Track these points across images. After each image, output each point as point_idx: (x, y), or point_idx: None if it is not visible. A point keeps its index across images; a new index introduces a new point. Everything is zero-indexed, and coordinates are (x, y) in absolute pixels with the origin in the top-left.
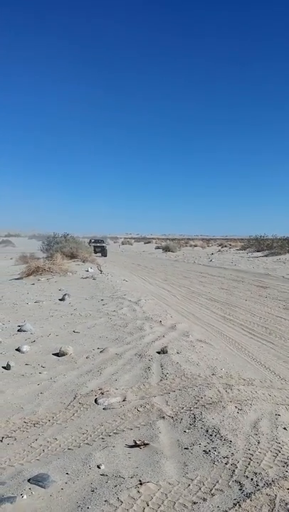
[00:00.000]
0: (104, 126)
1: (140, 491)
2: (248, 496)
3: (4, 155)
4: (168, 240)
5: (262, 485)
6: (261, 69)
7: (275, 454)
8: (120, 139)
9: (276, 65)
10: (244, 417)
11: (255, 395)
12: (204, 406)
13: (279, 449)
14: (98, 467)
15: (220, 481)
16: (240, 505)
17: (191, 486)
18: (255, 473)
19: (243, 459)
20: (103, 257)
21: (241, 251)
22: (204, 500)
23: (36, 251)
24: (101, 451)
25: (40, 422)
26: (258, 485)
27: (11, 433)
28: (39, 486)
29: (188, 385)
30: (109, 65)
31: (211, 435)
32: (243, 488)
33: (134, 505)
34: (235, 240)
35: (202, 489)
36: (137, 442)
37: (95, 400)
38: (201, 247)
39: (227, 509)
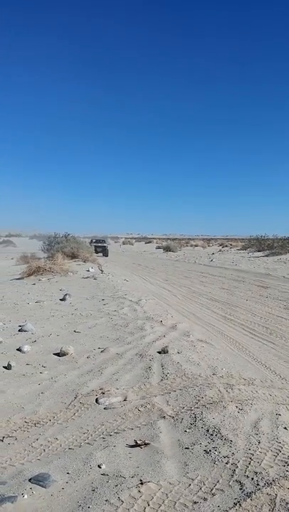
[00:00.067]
0: (105, 126)
1: (141, 490)
2: (249, 495)
3: (5, 155)
4: (169, 240)
5: (262, 484)
6: (261, 69)
7: (276, 454)
8: (120, 138)
9: (276, 65)
10: (245, 417)
11: (255, 395)
12: (205, 406)
13: (280, 448)
14: (99, 467)
15: (220, 481)
16: (240, 504)
17: (191, 486)
18: (256, 473)
19: (244, 458)
20: (104, 257)
21: (242, 251)
22: (205, 499)
23: (37, 251)
24: (102, 450)
25: (41, 422)
26: (258, 484)
27: (11, 433)
28: (40, 485)
29: (188, 384)
30: (109, 65)
31: (211, 435)
32: (244, 488)
33: (135, 504)
34: (235, 239)
35: (203, 489)
36: (138, 442)
37: (96, 400)
38: (202, 247)
39: (228, 509)
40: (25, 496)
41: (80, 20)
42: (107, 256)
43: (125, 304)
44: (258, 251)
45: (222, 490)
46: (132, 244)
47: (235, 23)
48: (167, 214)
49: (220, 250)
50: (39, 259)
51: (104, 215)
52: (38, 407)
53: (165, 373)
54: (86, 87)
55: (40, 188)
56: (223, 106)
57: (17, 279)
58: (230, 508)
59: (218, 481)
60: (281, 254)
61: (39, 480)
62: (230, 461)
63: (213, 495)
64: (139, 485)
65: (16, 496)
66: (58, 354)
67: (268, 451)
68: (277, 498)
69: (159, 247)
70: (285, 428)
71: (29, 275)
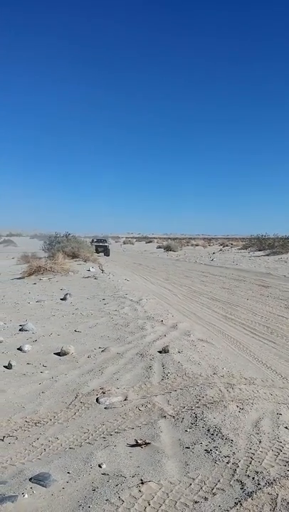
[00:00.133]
0: (105, 125)
1: (141, 490)
2: (250, 495)
3: (5, 155)
4: (169, 240)
5: (263, 484)
6: (261, 69)
7: (277, 453)
8: (121, 138)
9: (276, 65)
10: (245, 417)
11: (256, 394)
12: (206, 405)
13: (280, 448)
14: (99, 466)
15: (221, 480)
16: (241, 504)
17: (192, 485)
18: (257, 473)
19: (245, 458)
20: (105, 257)
21: (243, 250)
22: (206, 499)
23: (38, 250)
24: (102, 450)
25: (42, 422)
26: (259, 484)
27: (12, 432)
28: (40, 485)
29: (189, 384)
30: (109, 64)
31: (212, 434)
32: (245, 487)
33: (136, 504)
34: (236, 239)
35: (203, 488)
36: (139, 441)
37: (97, 399)
38: (203, 246)
39: (228, 508)
40: (26, 496)
41: (80, 20)
42: (108, 256)
43: (126, 304)
44: (259, 250)
45: (223, 489)
46: (133, 244)
47: (235, 23)
48: (168, 214)
49: (221, 250)
50: (40, 258)
51: (105, 215)
52: (38, 407)
53: (166, 373)
54: (86, 86)
55: (41, 187)
56: (224, 106)
57: (18, 278)
58: (231, 508)
59: (219, 481)
60: (282, 253)
61: (39, 479)
62: (231, 460)
63: (214, 494)
64: (140, 484)
65: (17, 496)
66: (58, 354)
67: (268, 451)
68: (279, 497)
69: (159, 247)
70: (286, 427)
71: (30, 275)
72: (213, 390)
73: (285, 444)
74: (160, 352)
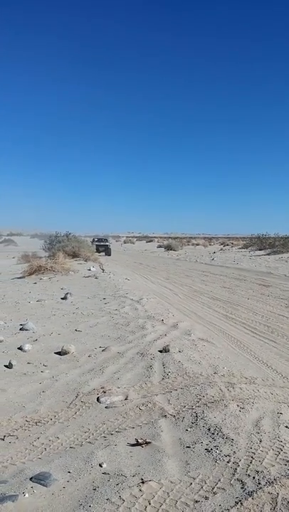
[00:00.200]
0: (105, 125)
1: (142, 489)
2: (250, 494)
3: (6, 154)
4: (170, 239)
5: (264, 483)
6: (261, 69)
7: (277, 453)
8: (121, 138)
9: (276, 64)
10: (246, 416)
11: (257, 394)
12: (206, 404)
13: (281, 447)
14: (100, 466)
15: (222, 480)
16: (242, 503)
17: (193, 485)
18: (257, 472)
19: (245, 457)
20: (105, 256)
21: (243, 249)
22: (206, 498)
23: (38, 250)
24: (103, 449)
25: (42, 421)
26: (259, 483)
27: (12, 432)
28: (41, 484)
29: (190, 383)
30: (109, 64)
31: (212, 434)
32: (245, 487)
33: (136, 503)
34: (237, 238)
35: (204, 488)
36: (139, 441)
37: (97, 399)
38: (203, 245)
39: (229, 507)
40: (27, 495)
41: (80, 20)
42: (109, 255)
43: (126, 303)
44: (260, 250)
45: (223, 489)
46: (134, 243)
47: (235, 23)
48: (168, 213)
49: (221, 249)
50: (40, 258)
51: (106, 214)
52: (39, 406)
53: (166, 372)
54: (86, 86)
55: (41, 187)
56: (224, 105)
57: (18, 278)
58: (231, 507)
59: (219, 480)
60: (282, 252)
61: (40, 479)
62: (232, 459)
63: (215, 494)
64: (141, 484)
65: (17, 495)
66: (59, 353)
67: (269, 450)
68: (279, 497)
69: (160, 246)
70: (287, 427)
71: (30, 274)
72: (213, 390)
73: (285, 444)
74: (161, 351)
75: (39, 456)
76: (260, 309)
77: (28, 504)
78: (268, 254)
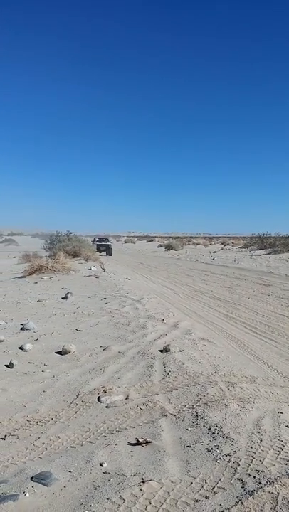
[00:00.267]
0: (106, 125)
1: (142, 489)
2: (251, 493)
3: (6, 154)
4: (170, 239)
5: (264, 483)
6: (261, 68)
7: (278, 452)
8: (121, 137)
9: (276, 64)
10: (246, 415)
11: (257, 393)
12: (207, 404)
13: (281, 446)
14: (101, 465)
15: (222, 479)
16: (242, 503)
17: (193, 484)
18: (258, 471)
19: (246, 456)
20: (106, 256)
21: (244, 249)
22: (207, 498)
23: (39, 249)
24: (103, 449)
25: (43, 421)
26: (260, 483)
27: (13, 431)
28: (42, 484)
29: (190, 383)
30: (109, 64)
31: (213, 433)
32: (246, 486)
33: (137, 503)
34: (237, 238)
35: (204, 487)
36: (140, 440)
37: (98, 398)
38: (204, 245)
39: (229, 507)
40: (27, 495)
41: (80, 20)
42: (111, 255)
43: (127, 303)
44: (260, 249)
45: (224, 488)
46: (134, 243)
47: (235, 23)
48: (169, 212)
49: (222, 249)
50: (41, 257)
51: (106, 214)
52: (40, 406)
53: (167, 371)
54: (86, 86)
55: (42, 186)
56: (224, 105)
57: (19, 277)
58: (232, 507)
59: (220, 479)
60: (283, 252)
61: (41, 478)
62: (232, 459)
63: (215, 493)
64: (141, 483)
65: (18, 495)
66: (59, 352)
67: (269, 450)
68: (279, 496)
69: (160, 246)
70: (287, 426)
71: (31, 274)
72: (214, 389)
73: (286, 443)
74: (161, 351)
75: (40, 456)
76: (261, 309)
77: (29, 504)
78: (269, 254)
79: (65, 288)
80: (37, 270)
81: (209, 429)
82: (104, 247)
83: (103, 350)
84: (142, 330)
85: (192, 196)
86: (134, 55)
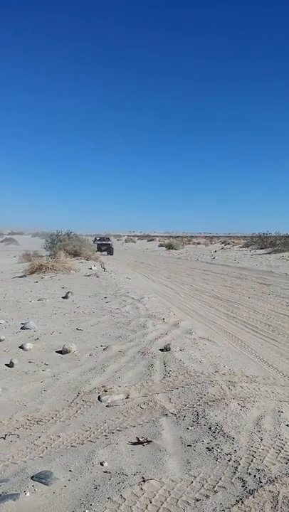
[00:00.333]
0: (106, 124)
1: (143, 488)
2: (251, 492)
3: (7, 154)
4: (171, 238)
5: (265, 482)
6: (263, 67)
7: (278, 451)
8: (122, 136)
9: (276, 63)
10: (247, 414)
11: (258, 392)
12: (207, 403)
13: (282, 445)
14: (101, 464)
15: (223, 478)
16: (243, 502)
17: (193, 483)
18: (258, 470)
19: (246, 455)
20: (106, 255)
21: (244, 248)
22: (207, 497)
23: (39, 249)
24: (104, 448)
25: (44, 420)
26: (260, 482)
27: (14, 430)
28: (42, 483)
29: (191, 382)
30: (109, 64)
31: (214, 432)
32: (246, 485)
33: (137, 502)
34: (238, 237)
35: (205, 486)
36: (140, 439)
37: (98, 398)
38: (204, 244)
39: (230, 506)
40: (28, 494)
41: (80, 20)
42: (112, 254)
43: (127, 302)
44: (261, 248)
45: (224, 487)
46: (135, 242)
47: (235, 22)
48: (170, 212)
49: (222, 248)
50: (41, 257)
51: (107, 213)
52: (40, 405)
53: (167, 371)
54: (86, 85)
55: (42, 186)
56: (225, 104)
57: (19, 277)
58: (232, 506)
59: (220, 479)
60: (284, 251)
61: (41, 477)
62: (233, 458)
63: (216, 492)
64: (142, 482)
65: (18, 494)
66: (60, 352)
67: (270, 449)
68: (280, 495)
69: (161, 245)
70: (288, 425)
71: (31, 273)
72: (214, 388)
73: (286, 442)
74: (162, 350)
75: (40, 455)
76: (261, 308)
77: (30, 503)
78: (269, 253)
79: (66, 287)
80: (37, 269)
81: (210, 428)
82: (105, 246)
83: (104, 349)
84: (142, 329)
85: (193, 195)
86: (134, 55)
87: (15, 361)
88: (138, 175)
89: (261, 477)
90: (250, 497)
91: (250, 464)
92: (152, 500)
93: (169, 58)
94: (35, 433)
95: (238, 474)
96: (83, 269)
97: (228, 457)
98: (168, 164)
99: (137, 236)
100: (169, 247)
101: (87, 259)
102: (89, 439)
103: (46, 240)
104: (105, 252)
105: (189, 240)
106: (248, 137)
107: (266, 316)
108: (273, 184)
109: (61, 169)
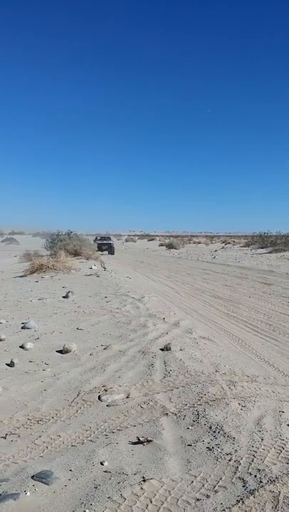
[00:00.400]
0: (106, 123)
1: (143, 487)
2: (252, 492)
3: (7, 153)
4: (171, 237)
5: (265, 482)
6: (264, 67)
7: (279, 451)
8: (122, 136)
9: (276, 62)
10: (248, 414)
11: (258, 392)
12: (208, 403)
13: (283, 445)
14: (101, 464)
15: (223, 478)
16: (243, 502)
17: (194, 483)
18: (259, 470)
19: (247, 455)
20: (107, 255)
21: (245, 248)
22: (207, 497)
23: (40, 248)
24: (104, 447)
25: (44, 419)
26: (261, 482)
27: (14, 430)
28: (42, 482)
29: (191, 381)
30: (109, 63)
31: (214, 432)
32: (247, 485)
33: (138, 501)
34: (238, 236)
35: (205, 486)
36: (141, 439)
37: (99, 397)
38: (205, 244)
39: (230, 506)
40: (28, 493)
41: (80, 20)
42: (112, 254)
43: (128, 302)
44: (261, 248)
45: (225, 487)
46: (135, 242)
47: (235, 22)
48: (170, 211)
49: (223, 247)
50: (42, 256)
51: (107, 213)
52: (40, 405)
53: (168, 370)
54: (86, 85)
55: (43, 185)
56: (225, 103)
57: (20, 276)
58: (233, 505)
59: (220, 478)
60: (284, 250)
61: (42, 477)
62: (233, 458)
63: (216, 492)
64: (142, 482)
65: (19, 493)
66: (60, 351)
67: (271, 448)
68: (281, 495)
69: (161, 245)
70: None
71: (32, 273)
72: (215, 388)
73: (287, 442)
74: (162, 350)
75: (41, 455)
76: (262, 307)
77: (30, 502)
78: (270, 253)
79: (66, 287)
80: (38, 269)
81: (210, 427)
82: (106, 245)
83: (104, 349)
84: (142, 329)
85: (193, 195)
86: (134, 55)
87: (15, 361)
88: (138, 175)
89: (262, 477)
90: (251, 497)
91: (250, 464)
92: (153, 499)
93: (169, 58)
94: (36, 432)
95: (238, 474)
96: (84, 269)
97: (229, 457)
98: (168, 164)
99: (138, 235)
100: (170, 246)
101: (87, 259)
102: (89, 438)
103: (47, 240)
104: (106, 252)
105: (190, 240)
106: (248, 137)
107: (267, 315)
108: (273, 184)
109: (61, 169)
